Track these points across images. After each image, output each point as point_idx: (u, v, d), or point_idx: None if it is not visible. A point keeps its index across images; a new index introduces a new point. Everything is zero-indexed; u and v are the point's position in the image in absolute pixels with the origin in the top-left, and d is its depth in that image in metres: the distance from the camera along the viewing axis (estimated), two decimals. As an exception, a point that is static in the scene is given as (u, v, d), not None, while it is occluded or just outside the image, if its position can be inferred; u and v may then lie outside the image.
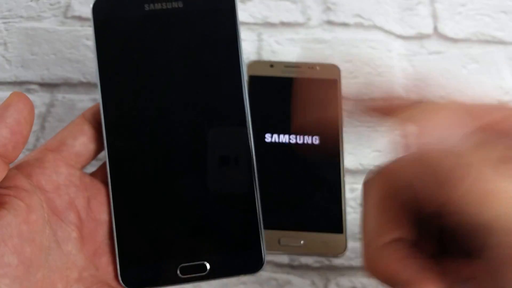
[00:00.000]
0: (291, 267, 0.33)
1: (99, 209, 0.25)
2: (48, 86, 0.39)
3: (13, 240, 0.20)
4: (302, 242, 0.32)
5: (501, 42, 0.42)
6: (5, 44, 0.40)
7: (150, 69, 0.25)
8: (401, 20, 0.43)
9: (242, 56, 0.26)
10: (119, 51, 0.25)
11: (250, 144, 0.25)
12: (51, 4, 0.42)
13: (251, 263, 0.24)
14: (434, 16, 0.43)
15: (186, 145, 0.25)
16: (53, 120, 0.37)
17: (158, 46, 0.25)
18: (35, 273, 0.21)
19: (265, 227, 0.32)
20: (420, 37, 0.42)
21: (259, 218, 0.25)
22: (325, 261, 0.33)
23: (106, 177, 0.25)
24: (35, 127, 0.37)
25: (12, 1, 0.42)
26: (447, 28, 0.42)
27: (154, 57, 0.25)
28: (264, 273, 0.32)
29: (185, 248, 0.24)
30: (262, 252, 0.24)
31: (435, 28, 0.42)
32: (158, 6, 0.26)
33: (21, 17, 0.41)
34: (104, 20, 0.26)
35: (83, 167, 0.25)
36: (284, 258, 0.33)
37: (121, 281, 0.24)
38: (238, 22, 0.26)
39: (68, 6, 0.42)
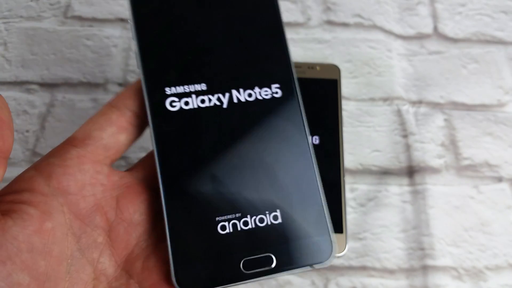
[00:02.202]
0: (291, 267, 0.33)
1: (130, 209, 0.22)
2: (48, 86, 0.39)
3: (22, 255, 0.18)
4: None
5: (501, 42, 0.42)
6: (5, 44, 0.40)
7: (196, 51, 0.24)
8: (401, 20, 0.43)
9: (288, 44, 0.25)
10: (164, 33, 0.24)
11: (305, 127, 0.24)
12: (51, 4, 0.42)
13: (320, 251, 0.22)
14: (434, 16, 0.43)
15: (242, 128, 0.23)
16: (53, 120, 0.37)
17: (201, 26, 0.24)
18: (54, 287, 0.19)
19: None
20: (420, 37, 0.42)
21: (323, 198, 0.23)
22: (325, 261, 0.33)
23: (150, 167, 0.22)
24: (35, 127, 0.37)
25: (12, 1, 0.42)
26: (447, 28, 0.42)
27: (197, 35, 0.24)
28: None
29: (248, 241, 0.21)
30: (331, 236, 0.22)
31: (435, 28, 0.42)
32: None
33: (21, 17, 0.41)
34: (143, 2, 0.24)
35: (113, 162, 0.23)
36: (284, 258, 0.33)
37: (175, 283, 0.20)
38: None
39: (68, 6, 0.42)
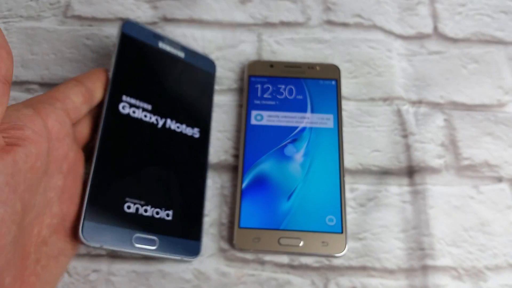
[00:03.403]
0: (291, 267, 0.33)
1: (80, 163, 0.27)
2: (48, 86, 0.38)
3: (20, 187, 0.21)
4: (302, 242, 0.32)
5: (501, 42, 0.42)
6: (5, 44, 0.40)
7: (152, 84, 0.33)
8: (401, 20, 0.43)
9: (212, 112, 0.36)
10: (135, 63, 0.33)
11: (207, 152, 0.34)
12: (51, 4, 0.42)
13: (192, 250, 0.31)
14: (434, 16, 0.43)
15: (165, 147, 0.32)
16: (53, 120, 0.37)
17: (161, 74, 0.34)
18: (26, 218, 0.22)
19: (265, 227, 0.32)
20: (420, 37, 0.42)
21: (203, 216, 0.32)
22: (325, 261, 0.33)
23: (94, 137, 0.29)
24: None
25: (12, 1, 0.42)
26: (447, 28, 0.42)
27: (156, 78, 0.33)
28: (264, 273, 0.32)
29: (144, 222, 0.29)
30: (201, 243, 0.31)
31: (435, 28, 0.42)
32: (167, 48, 0.35)
33: (21, 16, 0.41)
34: (129, 38, 0.33)
35: (73, 124, 0.28)
36: (284, 258, 0.33)
37: (81, 233, 0.26)
38: (215, 84, 0.37)
39: (68, 6, 0.42)
